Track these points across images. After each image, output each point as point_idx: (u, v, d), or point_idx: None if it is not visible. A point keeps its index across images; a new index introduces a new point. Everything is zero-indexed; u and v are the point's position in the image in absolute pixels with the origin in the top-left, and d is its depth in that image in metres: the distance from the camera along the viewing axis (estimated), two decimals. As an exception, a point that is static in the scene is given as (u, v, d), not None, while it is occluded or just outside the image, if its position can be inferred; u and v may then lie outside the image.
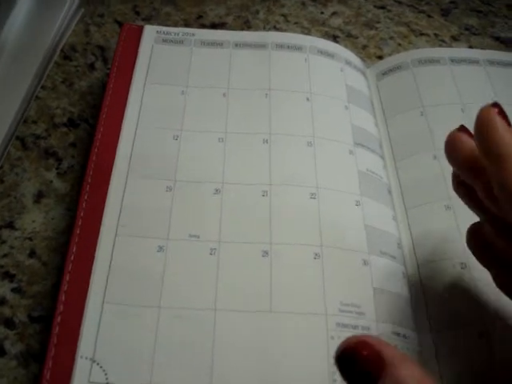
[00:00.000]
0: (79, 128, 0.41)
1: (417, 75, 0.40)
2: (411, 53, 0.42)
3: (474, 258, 0.29)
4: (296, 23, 0.48)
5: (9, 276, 0.33)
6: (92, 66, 0.45)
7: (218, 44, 0.41)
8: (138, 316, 0.28)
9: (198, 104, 0.37)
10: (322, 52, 0.41)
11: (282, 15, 0.49)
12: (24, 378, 0.30)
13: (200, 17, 0.49)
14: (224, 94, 0.38)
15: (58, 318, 0.28)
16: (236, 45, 0.41)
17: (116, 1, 0.50)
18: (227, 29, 0.48)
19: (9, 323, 0.32)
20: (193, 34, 0.42)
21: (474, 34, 0.47)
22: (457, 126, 0.36)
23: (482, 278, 0.30)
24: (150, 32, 0.42)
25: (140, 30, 0.42)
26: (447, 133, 0.36)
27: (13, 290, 0.33)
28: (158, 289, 0.29)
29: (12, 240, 0.35)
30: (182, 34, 0.41)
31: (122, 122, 0.36)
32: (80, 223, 0.32)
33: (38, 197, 0.37)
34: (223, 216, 0.32)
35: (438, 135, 0.36)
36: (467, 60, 0.41)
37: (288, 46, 0.41)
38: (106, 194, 0.33)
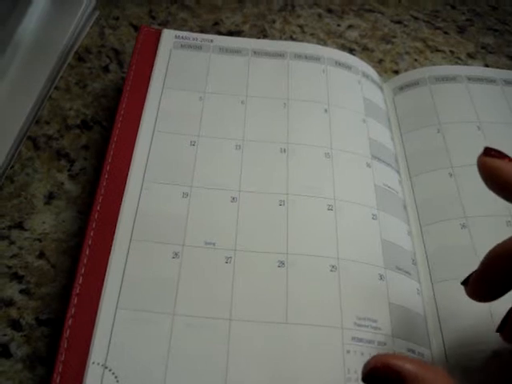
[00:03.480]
0: (92, 130, 0.41)
1: (434, 92, 0.40)
2: (428, 69, 0.42)
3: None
4: (312, 34, 0.48)
5: (17, 277, 0.33)
6: (106, 69, 0.45)
7: (237, 51, 0.41)
8: (152, 323, 0.28)
9: (216, 110, 0.37)
10: (339, 64, 0.41)
11: (299, 26, 0.49)
12: (30, 382, 0.29)
13: (216, 24, 0.49)
14: (242, 102, 0.38)
15: (70, 321, 0.28)
16: (254, 53, 0.41)
17: (132, 4, 0.50)
18: (244, 37, 0.47)
19: (16, 325, 0.31)
20: (211, 41, 0.41)
21: (490, 53, 0.47)
22: (473, 143, 0.36)
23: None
24: (168, 36, 0.41)
25: (158, 33, 0.42)
26: (463, 150, 0.36)
27: (21, 291, 0.32)
28: (172, 296, 0.29)
29: (21, 241, 0.34)
30: (201, 40, 0.41)
31: (138, 126, 0.36)
32: (94, 226, 0.31)
33: (49, 198, 0.37)
34: (239, 224, 0.32)
35: (454, 153, 0.36)
36: (484, 79, 0.41)
37: (306, 57, 0.41)
38: (121, 198, 0.32)
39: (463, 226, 0.34)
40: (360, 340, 0.28)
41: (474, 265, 0.31)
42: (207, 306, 0.29)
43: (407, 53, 0.47)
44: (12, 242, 0.34)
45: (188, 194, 0.33)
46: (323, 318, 0.29)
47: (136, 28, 0.48)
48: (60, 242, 0.35)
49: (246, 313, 0.28)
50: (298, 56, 0.41)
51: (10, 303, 0.32)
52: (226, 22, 0.49)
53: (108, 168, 0.34)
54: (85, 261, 0.30)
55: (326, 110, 0.38)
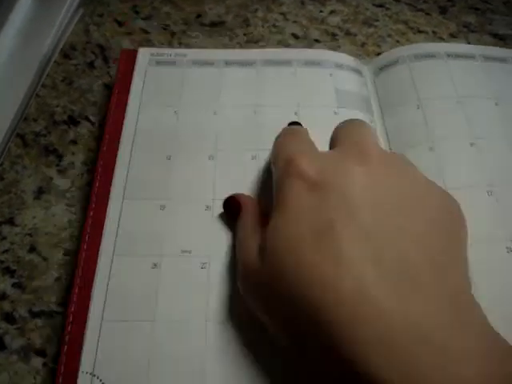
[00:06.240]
0: (79, 125, 0.41)
1: (413, 69, 0.40)
2: (408, 47, 0.42)
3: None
4: (295, 22, 0.48)
5: (9, 271, 0.33)
6: (92, 65, 0.45)
7: (209, 63, 0.41)
8: (134, 330, 0.29)
9: (190, 123, 0.38)
10: (309, 63, 0.41)
11: (281, 13, 0.49)
12: (25, 373, 0.30)
13: (199, 16, 0.49)
14: (215, 112, 0.38)
15: (66, 338, 0.29)
16: (226, 63, 0.41)
17: (115, 0, 0.51)
18: (227, 27, 0.48)
19: (9, 318, 0.32)
20: (185, 55, 0.42)
21: (472, 32, 0.47)
22: (453, 118, 0.36)
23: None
24: (144, 55, 0.42)
25: (135, 53, 0.42)
26: (444, 124, 0.36)
27: (13, 285, 0.33)
28: (152, 303, 0.30)
29: (12, 236, 0.35)
30: (175, 55, 0.42)
31: (118, 147, 0.36)
32: (85, 247, 0.32)
33: (39, 193, 0.37)
34: (213, 231, 0.33)
35: (433, 127, 0.36)
36: (463, 55, 0.41)
37: (276, 62, 0.41)
38: (104, 217, 0.33)
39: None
40: None
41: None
42: (185, 310, 0.30)
43: (389, 35, 0.47)
44: (3, 238, 0.35)
45: (165, 207, 0.34)
46: None
47: (120, 24, 0.49)
48: (51, 236, 0.35)
49: (220, 314, 0.29)
50: (269, 62, 0.41)
51: (2, 297, 0.32)
52: (208, 13, 0.49)
53: (96, 190, 0.35)
54: (78, 281, 0.31)
55: (295, 113, 0.38)
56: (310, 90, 0.39)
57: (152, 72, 0.41)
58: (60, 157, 0.39)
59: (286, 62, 0.41)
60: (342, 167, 0.26)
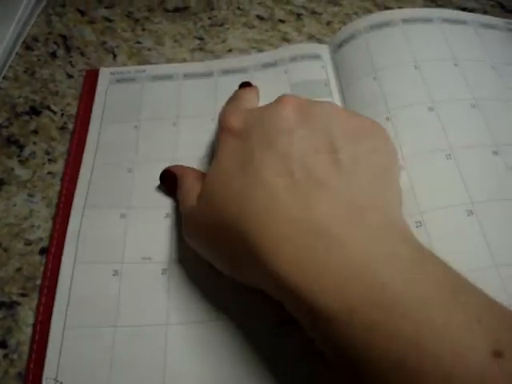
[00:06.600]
0: (41, 115, 0.40)
1: (369, 41, 0.39)
2: (362, 19, 0.40)
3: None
4: (260, 3, 0.48)
5: (-31, 263, 0.33)
6: (54, 55, 0.45)
7: (168, 77, 0.42)
8: (96, 336, 0.29)
9: (150, 136, 0.38)
10: (264, 65, 0.41)
11: (246, -4, 0.48)
12: (-15, 364, 0.29)
13: (163, 2, 0.48)
14: (174, 124, 0.38)
15: (34, 347, 0.29)
16: (185, 76, 0.41)
17: (78, -10, 0.50)
18: (190, 12, 0.47)
19: (-31, 311, 0.31)
20: (144, 71, 0.42)
21: (439, 6, 0.47)
22: (410, 84, 0.35)
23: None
24: (104, 74, 0.42)
25: (97, 73, 0.42)
26: (399, 92, 0.35)
27: (-27, 277, 0.32)
28: (114, 309, 0.30)
29: (-27, 228, 0.34)
30: (134, 72, 0.42)
31: (81, 163, 0.37)
32: (50, 259, 0.33)
33: (0, 184, 0.36)
34: (173, 237, 0.33)
35: (390, 96, 0.36)
36: (420, 19, 0.39)
37: (232, 70, 0.41)
38: (66, 225, 0.34)
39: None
40: None
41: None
42: (146, 315, 0.30)
43: (355, 13, 0.46)
44: (-37, 231, 0.34)
45: (125, 215, 0.34)
46: None
47: (83, 13, 0.48)
48: (12, 227, 0.34)
49: (180, 317, 0.30)
50: (225, 72, 0.41)
51: (-38, 290, 0.32)
52: (172, -1, 0.49)
53: (61, 205, 0.35)
54: (45, 291, 0.31)
55: None
56: (266, 92, 0.38)
57: (113, 89, 0.41)
58: (21, 147, 0.38)
59: (243, 70, 0.41)
60: (262, 112, 0.31)
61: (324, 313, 0.22)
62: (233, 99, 0.36)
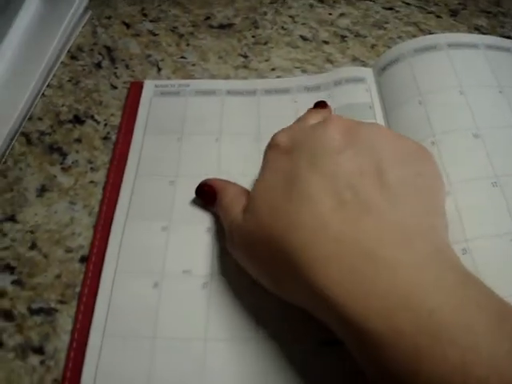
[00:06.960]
0: (85, 124, 0.41)
1: (414, 65, 0.39)
2: (406, 43, 0.40)
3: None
4: (304, 24, 0.48)
5: (9, 268, 0.33)
6: (99, 65, 0.45)
7: (211, 92, 0.42)
8: (135, 347, 0.29)
9: (193, 150, 0.38)
10: (308, 88, 0.42)
11: (290, 16, 0.49)
12: (21, 370, 0.29)
13: (208, 18, 0.49)
14: (217, 139, 0.39)
15: (72, 354, 0.29)
16: (228, 92, 0.42)
17: (123, 3, 0.50)
18: (235, 29, 0.47)
19: (7, 315, 0.31)
20: (188, 85, 0.43)
21: (484, 34, 0.46)
22: (455, 110, 0.35)
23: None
24: (149, 86, 0.43)
25: (142, 85, 0.43)
26: (445, 117, 0.35)
27: (13, 282, 0.32)
28: (152, 321, 0.30)
29: (13, 233, 0.34)
30: (178, 86, 0.43)
31: (123, 173, 0.37)
32: (91, 267, 0.33)
33: (41, 191, 0.36)
34: (214, 251, 0.33)
35: (435, 121, 0.35)
36: (465, 44, 0.39)
37: (276, 91, 0.42)
38: (107, 238, 0.34)
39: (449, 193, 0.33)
40: None
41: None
42: (185, 329, 0.30)
43: (400, 37, 0.46)
44: (4, 235, 0.34)
45: (167, 228, 0.34)
46: None
47: (128, 26, 0.48)
48: (52, 233, 0.34)
49: (220, 332, 0.30)
50: (268, 91, 0.42)
51: (1, 294, 0.32)
52: (217, 15, 0.49)
53: (103, 214, 0.35)
54: (84, 299, 0.31)
55: None
56: None
57: (157, 102, 0.42)
58: (64, 155, 0.39)
59: (285, 91, 0.42)
60: (309, 131, 0.31)
61: (371, 335, 0.22)
62: (300, 118, 0.35)
